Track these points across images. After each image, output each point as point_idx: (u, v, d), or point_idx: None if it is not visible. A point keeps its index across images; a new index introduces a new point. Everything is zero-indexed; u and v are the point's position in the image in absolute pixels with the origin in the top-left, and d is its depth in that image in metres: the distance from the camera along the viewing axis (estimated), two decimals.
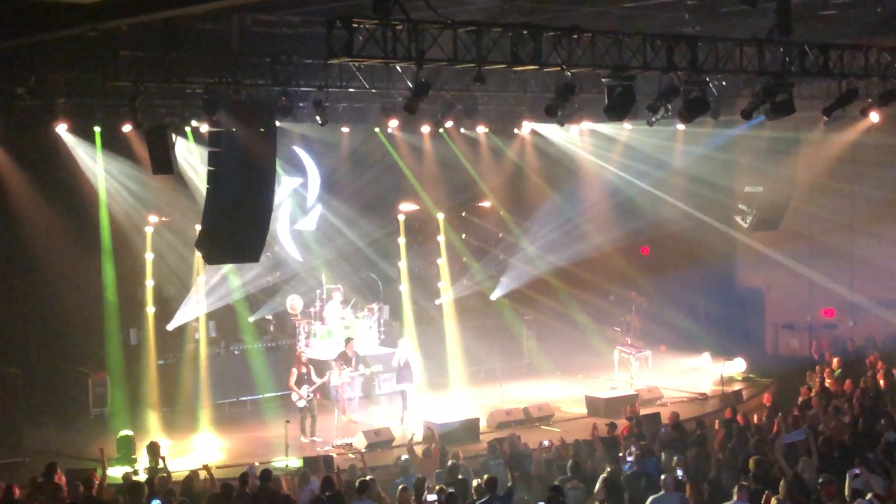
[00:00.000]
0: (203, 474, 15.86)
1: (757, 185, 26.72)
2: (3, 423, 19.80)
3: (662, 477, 14.09)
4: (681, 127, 24.91)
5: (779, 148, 25.61)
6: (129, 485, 15.03)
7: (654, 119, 20.50)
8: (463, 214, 28.57)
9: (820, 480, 13.97)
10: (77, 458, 19.00)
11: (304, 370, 21.16)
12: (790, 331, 30.21)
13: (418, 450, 17.65)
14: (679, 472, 14.40)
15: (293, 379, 21.19)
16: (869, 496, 12.64)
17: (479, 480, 14.53)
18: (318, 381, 21.28)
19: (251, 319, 24.96)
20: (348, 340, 23.00)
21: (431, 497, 13.80)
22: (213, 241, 18.48)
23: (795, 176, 26.37)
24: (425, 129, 24.65)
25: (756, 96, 19.54)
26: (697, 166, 27.30)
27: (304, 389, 20.97)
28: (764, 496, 12.90)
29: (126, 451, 19.06)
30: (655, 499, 13.50)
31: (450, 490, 13.79)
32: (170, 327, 23.85)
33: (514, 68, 18.26)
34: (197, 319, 24.12)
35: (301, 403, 21.04)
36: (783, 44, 18.49)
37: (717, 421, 19.74)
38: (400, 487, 14.42)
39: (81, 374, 23.13)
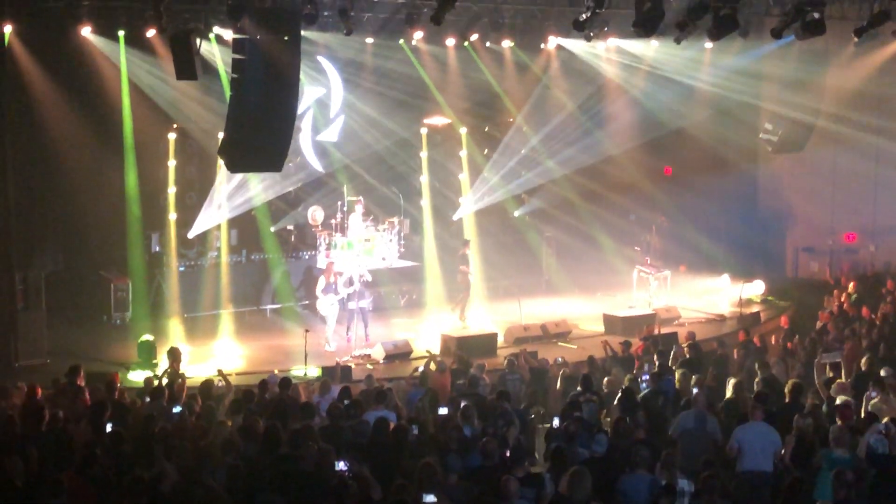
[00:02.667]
0: (216, 380, 16.05)
1: (783, 106, 26.41)
2: (25, 325, 19.93)
3: (694, 392, 14.16)
4: (708, 45, 24.56)
5: (806, 70, 25.27)
6: (149, 389, 15.21)
7: (683, 37, 20.28)
8: (486, 129, 28.40)
9: (836, 402, 14.09)
10: (98, 361, 19.28)
11: (332, 280, 21.30)
12: (810, 254, 30.15)
13: (432, 365, 17.76)
14: (695, 391, 14.47)
15: (320, 287, 21.35)
16: (885, 420, 12.69)
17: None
18: (344, 292, 21.39)
19: (273, 229, 25.04)
20: (466, 242, 24.39)
21: (443, 410, 13.89)
22: (236, 149, 18.44)
23: (822, 97, 26.06)
24: (450, 41, 24.36)
25: (786, 15, 19.29)
26: (723, 86, 26.98)
27: (331, 297, 21.14)
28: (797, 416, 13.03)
29: (147, 355, 19.26)
30: (685, 415, 13.57)
31: (464, 403, 13.90)
32: (190, 235, 23.96)
33: None
34: (218, 227, 24.22)
35: (324, 311, 21.23)
36: None
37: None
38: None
39: (103, 279, 23.32)
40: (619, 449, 12.19)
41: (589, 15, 18.31)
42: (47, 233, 22.88)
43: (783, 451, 12.68)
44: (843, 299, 23.45)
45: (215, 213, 23.98)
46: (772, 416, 13.27)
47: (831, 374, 16.52)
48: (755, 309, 25.41)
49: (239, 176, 23.33)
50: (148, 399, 14.76)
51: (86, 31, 20.74)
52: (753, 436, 12.58)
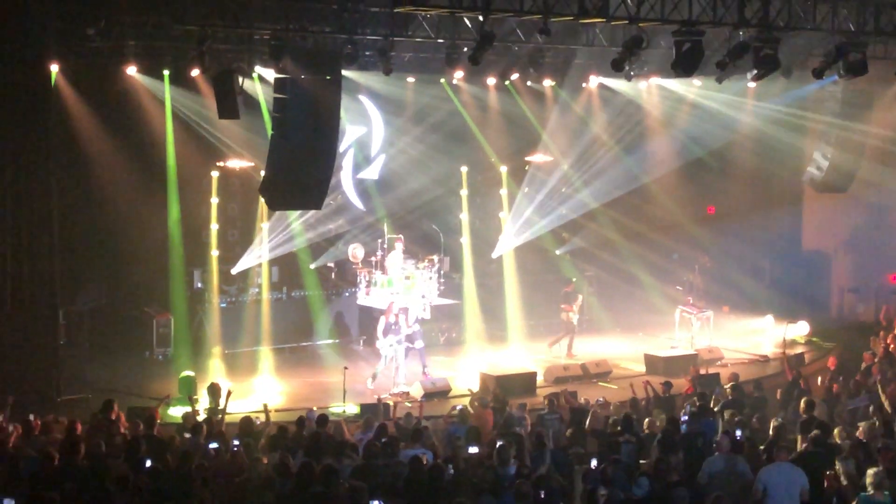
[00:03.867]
0: (259, 416, 16.08)
1: (827, 146, 26.23)
2: (67, 359, 20.14)
3: (717, 437, 14.01)
4: (751, 85, 24.51)
5: (850, 109, 25.09)
6: (189, 425, 15.26)
7: (724, 77, 20.24)
8: (526, 168, 28.41)
9: (878, 446, 13.87)
10: (139, 397, 19.37)
11: (392, 319, 21.16)
12: (856, 295, 29.80)
13: (476, 402, 17.66)
14: (738, 433, 14.29)
15: (381, 327, 21.19)
16: None
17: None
18: (406, 331, 21.32)
19: (312, 266, 25.13)
20: (570, 282, 24.87)
21: (473, 449, 13.79)
22: (277, 187, 18.60)
23: (866, 137, 25.86)
24: (491, 80, 24.49)
25: (828, 55, 19.19)
26: (766, 125, 26.90)
27: (391, 338, 20.99)
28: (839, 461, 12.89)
29: (187, 391, 19.32)
30: (710, 460, 13.42)
31: (500, 442, 13.80)
32: (234, 271, 24.12)
33: (581, 21, 18.09)
34: (260, 265, 24.36)
35: (385, 352, 21.08)
36: (858, 1, 18.14)
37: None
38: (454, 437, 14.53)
39: (146, 315, 23.51)
40: (657, 491, 12.06)
41: (626, 56, 18.33)
42: (91, 268, 23.11)
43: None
44: (888, 341, 23.12)
45: (261, 251, 24.12)
46: (806, 457, 13.19)
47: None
48: (799, 350, 25.12)
49: (282, 214, 23.53)
50: (187, 435, 14.81)
51: (131, 71, 21.08)
52: (779, 477, 12.44)
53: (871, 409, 16.74)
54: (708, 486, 12.88)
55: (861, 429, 14.88)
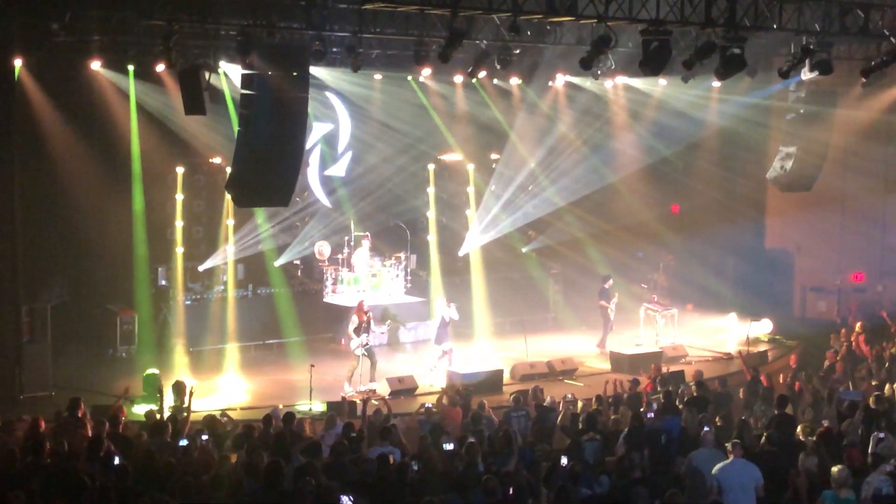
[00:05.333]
0: (220, 414, 16.01)
1: (791, 145, 26.45)
2: (30, 357, 19.93)
3: (702, 433, 14.08)
4: (716, 84, 24.65)
5: (815, 108, 25.29)
6: (152, 423, 15.15)
7: (690, 76, 20.33)
8: (493, 166, 28.45)
9: (843, 443, 13.99)
10: (103, 395, 19.21)
11: (364, 318, 21.05)
12: (818, 293, 30.04)
13: (445, 399, 17.68)
14: (705, 429, 14.37)
15: (352, 326, 21.01)
16: (893, 461, 12.58)
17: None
18: (377, 331, 21.19)
19: (277, 264, 24.98)
20: (606, 277, 25.18)
21: (448, 445, 13.80)
22: (244, 184, 18.47)
23: (830, 137, 26.05)
24: (458, 78, 24.48)
25: (794, 55, 19.35)
26: (731, 124, 27.07)
27: (363, 338, 20.86)
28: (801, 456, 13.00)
29: (152, 389, 19.18)
30: (695, 454, 13.47)
31: (470, 440, 13.81)
32: (202, 268, 23.97)
33: (550, 19, 18.13)
34: (225, 262, 24.22)
35: (359, 352, 20.86)
36: (824, 2, 18.28)
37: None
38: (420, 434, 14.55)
39: (109, 312, 23.32)
40: (620, 488, 12.12)
41: (594, 55, 18.39)
42: (54, 265, 22.90)
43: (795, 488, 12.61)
44: (852, 338, 23.33)
45: (229, 250, 23.97)
46: (765, 454, 13.36)
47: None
48: (762, 348, 25.30)
49: (248, 211, 23.41)
50: (150, 433, 14.68)
51: (95, 66, 20.90)
52: (733, 473, 12.54)
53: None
54: (692, 478, 12.97)
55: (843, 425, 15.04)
